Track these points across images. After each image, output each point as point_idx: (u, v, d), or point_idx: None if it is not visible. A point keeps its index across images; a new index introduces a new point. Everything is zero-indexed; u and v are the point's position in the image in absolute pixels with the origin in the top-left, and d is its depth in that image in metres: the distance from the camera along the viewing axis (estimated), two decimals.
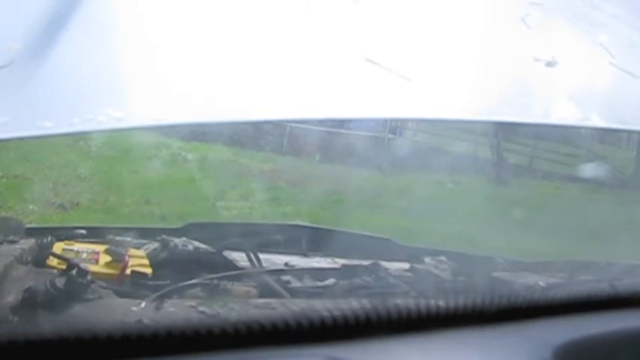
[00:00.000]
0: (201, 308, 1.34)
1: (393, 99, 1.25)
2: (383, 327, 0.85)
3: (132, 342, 0.73)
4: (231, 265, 1.98)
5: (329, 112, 1.31)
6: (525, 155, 10.64)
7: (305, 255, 2.34)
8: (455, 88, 1.36)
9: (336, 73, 1.27)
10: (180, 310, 1.38)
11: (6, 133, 0.96)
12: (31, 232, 2.26)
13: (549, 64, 1.46)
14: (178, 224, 2.49)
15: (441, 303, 0.87)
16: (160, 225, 3.52)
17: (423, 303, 0.87)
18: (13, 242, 2.07)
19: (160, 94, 1.10)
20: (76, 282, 1.58)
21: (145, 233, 2.32)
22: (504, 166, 8.73)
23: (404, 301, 0.87)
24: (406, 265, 2.12)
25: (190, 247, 2.06)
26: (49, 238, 2.06)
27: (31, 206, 5.96)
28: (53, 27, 1.13)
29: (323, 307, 0.83)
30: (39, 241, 2.05)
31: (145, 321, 0.78)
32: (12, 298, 1.56)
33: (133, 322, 0.78)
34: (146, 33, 1.22)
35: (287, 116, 1.40)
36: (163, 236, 2.18)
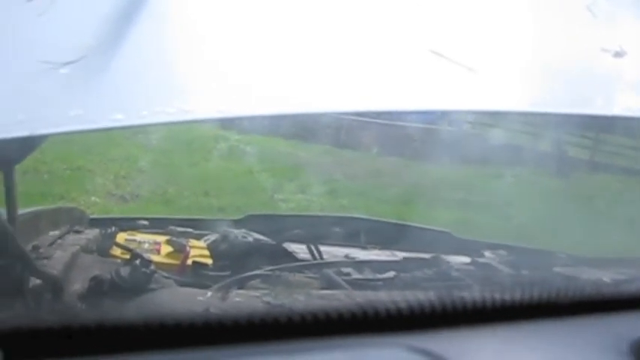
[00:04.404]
0: (265, 298, 1.35)
1: (458, 91, 1.24)
2: (460, 318, 0.85)
3: (203, 330, 0.74)
4: (291, 257, 2.00)
5: (393, 105, 1.30)
6: (587, 148, 10.39)
7: (364, 247, 2.34)
8: (520, 79, 1.34)
9: (401, 65, 1.26)
10: (246, 300, 1.39)
11: (80, 125, 0.99)
12: (94, 223, 2.31)
13: (617, 54, 1.42)
14: (237, 216, 2.51)
15: (517, 295, 0.87)
16: (219, 217, 3.55)
17: (499, 295, 0.86)
18: (78, 232, 2.13)
19: (225, 87, 1.11)
20: (140, 272, 1.61)
21: (205, 225, 2.35)
22: (565, 159, 8.55)
23: (481, 293, 0.86)
24: (467, 259, 2.09)
25: (250, 239, 2.08)
26: (113, 229, 2.10)
27: (92, 198, 6.09)
28: (123, 23, 1.15)
29: (391, 298, 0.83)
30: (102, 232, 2.10)
31: (213, 310, 0.79)
32: (79, 285, 1.60)
33: (202, 311, 0.79)
34: (212, 28, 1.23)
35: (350, 108, 1.40)
36: (223, 228, 2.20)
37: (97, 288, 1.57)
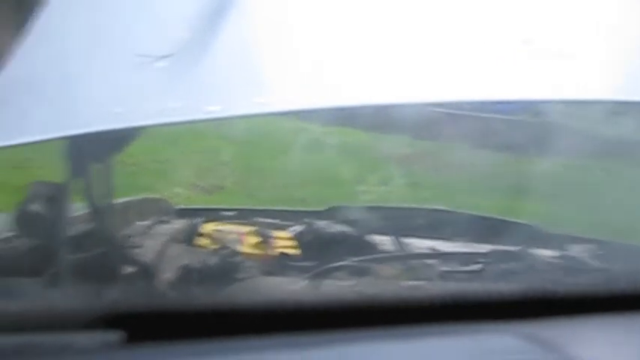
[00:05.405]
0: (357, 288, 1.36)
1: (550, 80, 1.21)
2: (569, 306, 0.84)
3: (309, 317, 0.76)
4: (376, 249, 1.99)
5: (482, 95, 1.28)
6: None
7: (448, 240, 2.32)
8: (614, 67, 1.30)
9: (491, 54, 1.24)
10: (337, 289, 1.40)
11: (177, 117, 1.01)
12: (181, 213, 2.36)
13: None
14: (320, 207, 2.52)
15: (628, 285, 0.85)
16: (302, 208, 3.57)
17: (610, 284, 0.85)
18: (166, 222, 2.18)
19: (318, 78, 1.12)
20: (228, 261, 1.64)
21: (289, 216, 2.37)
22: None
23: (589, 282, 0.86)
24: (555, 252, 2.05)
25: (334, 230, 2.08)
26: (199, 219, 2.14)
27: (176, 189, 6.21)
28: (215, 16, 1.17)
29: (483, 289, 0.82)
30: (189, 222, 2.14)
31: (307, 299, 0.80)
32: (169, 275, 1.64)
33: (303, 299, 0.80)
34: (301, 18, 1.24)
35: (438, 99, 1.38)
36: (307, 219, 2.22)
37: (187, 277, 1.61)
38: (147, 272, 1.60)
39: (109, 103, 1.05)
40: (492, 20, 1.29)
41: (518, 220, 2.53)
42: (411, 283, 1.56)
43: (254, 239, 2.02)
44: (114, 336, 0.71)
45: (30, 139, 1.02)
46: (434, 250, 2.09)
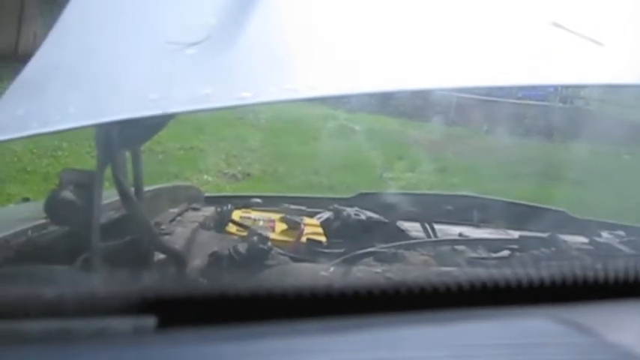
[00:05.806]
0: (387, 274, 1.36)
1: (582, 65, 1.20)
2: (606, 290, 0.84)
3: (335, 302, 0.76)
4: (405, 235, 1.99)
5: (514, 80, 1.27)
6: None
7: (477, 226, 2.32)
8: None
9: (520, 39, 1.23)
10: (368, 275, 1.40)
11: (209, 104, 1.01)
12: (210, 201, 2.38)
13: None
14: (348, 194, 2.53)
15: None
16: (330, 195, 3.59)
17: (637, 268, 0.85)
18: (196, 209, 2.20)
19: (347, 64, 1.11)
20: (257, 248, 1.65)
21: (317, 202, 2.38)
22: None
23: (619, 267, 0.85)
24: (585, 239, 2.03)
25: (363, 217, 2.08)
26: (228, 206, 2.15)
27: (205, 176, 6.27)
28: (241, 2, 1.17)
29: (515, 273, 0.82)
30: (218, 209, 2.15)
31: (337, 284, 0.80)
32: (199, 261, 1.66)
33: (337, 284, 0.80)
34: (324, 7, 1.24)
35: (467, 84, 1.37)
36: (335, 205, 2.22)
37: (217, 263, 1.62)
38: (178, 259, 1.61)
39: (143, 90, 1.06)
40: (521, 3, 1.28)
41: (548, 206, 2.52)
42: (440, 269, 1.56)
43: (283, 226, 2.03)
44: (146, 321, 0.72)
45: (65, 126, 1.03)
46: (463, 236, 2.08)
